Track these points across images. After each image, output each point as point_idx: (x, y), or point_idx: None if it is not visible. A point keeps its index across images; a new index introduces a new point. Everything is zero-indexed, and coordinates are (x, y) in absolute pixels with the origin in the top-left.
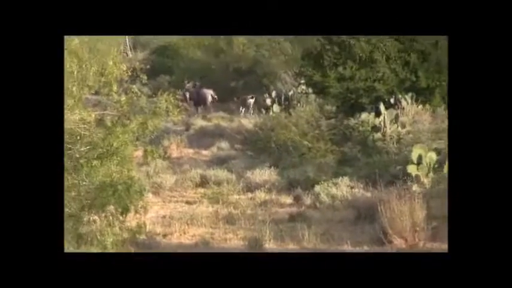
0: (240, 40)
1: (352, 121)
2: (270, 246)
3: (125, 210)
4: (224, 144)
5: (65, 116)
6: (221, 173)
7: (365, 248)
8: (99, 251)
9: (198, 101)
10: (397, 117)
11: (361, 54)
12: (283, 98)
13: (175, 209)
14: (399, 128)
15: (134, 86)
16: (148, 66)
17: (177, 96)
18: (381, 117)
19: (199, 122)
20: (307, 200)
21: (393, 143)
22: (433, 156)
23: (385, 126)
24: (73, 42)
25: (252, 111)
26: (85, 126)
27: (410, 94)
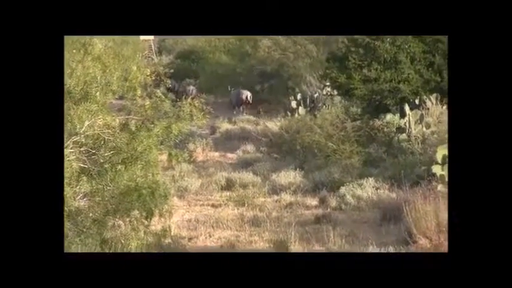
0: (265, 43)
1: (377, 122)
2: (296, 248)
3: (150, 215)
4: (250, 147)
5: (90, 122)
6: (246, 176)
7: (390, 249)
8: None
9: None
10: (422, 117)
11: (385, 56)
12: (308, 100)
13: (200, 213)
14: (424, 129)
15: (158, 91)
16: (172, 70)
17: (201, 100)
18: (406, 118)
19: (224, 126)
20: (333, 202)
21: (418, 144)
22: None
23: (410, 127)
24: (97, 48)
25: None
26: (109, 131)
27: (435, 95)
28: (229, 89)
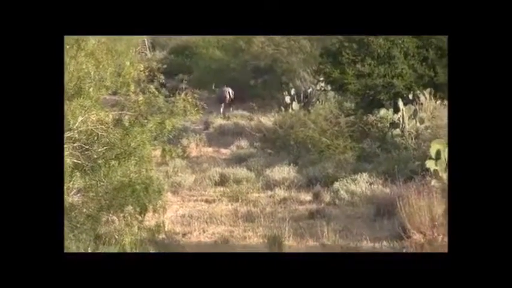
0: (258, 38)
1: (371, 117)
2: (290, 243)
3: (144, 210)
4: (243, 143)
5: (83, 117)
6: (240, 171)
7: (384, 244)
8: (117, 251)
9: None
10: (415, 112)
11: (379, 51)
12: (302, 95)
13: (194, 208)
14: (418, 124)
15: (152, 86)
16: (165, 66)
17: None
18: (400, 113)
19: (218, 121)
20: (327, 197)
21: (412, 139)
22: None
23: (403, 122)
24: (90, 43)
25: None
26: (103, 126)
27: (428, 90)
28: (213, 87)
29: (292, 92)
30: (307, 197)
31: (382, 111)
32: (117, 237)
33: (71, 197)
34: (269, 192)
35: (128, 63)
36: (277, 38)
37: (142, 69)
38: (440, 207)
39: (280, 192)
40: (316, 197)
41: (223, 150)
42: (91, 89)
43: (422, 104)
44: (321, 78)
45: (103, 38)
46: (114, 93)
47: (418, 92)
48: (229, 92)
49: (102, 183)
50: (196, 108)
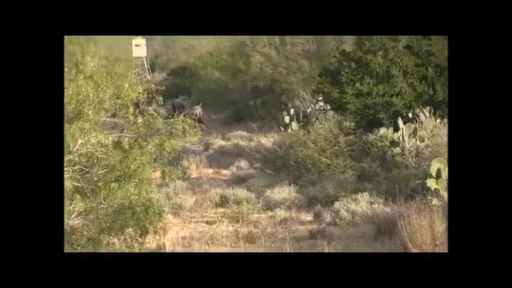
0: (257, 59)
1: (370, 136)
2: None
3: (144, 232)
4: (243, 164)
5: (83, 140)
6: (241, 192)
7: None
8: None
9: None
10: (415, 131)
11: (378, 70)
12: (301, 115)
13: (195, 230)
14: (418, 142)
15: (150, 108)
16: (163, 88)
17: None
18: (399, 132)
19: (218, 142)
20: (327, 217)
21: (412, 157)
22: None
23: (403, 140)
24: (89, 66)
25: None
26: (102, 149)
27: (428, 108)
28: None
29: (292, 111)
30: (307, 217)
31: (382, 130)
32: None
33: (72, 220)
34: (270, 213)
35: (126, 85)
36: (275, 58)
37: (141, 91)
38: (441, 226)
39: (280, 213)
40: (317, 217)
41: (223, 171)
42: (90, 112)
43: (422, 122)
44: (320, 98)
45: (102, 61)
46: (113, 116)
47: (418, 110)
48: (199, 111)
49: (102, 206)
50: (195, 130)
